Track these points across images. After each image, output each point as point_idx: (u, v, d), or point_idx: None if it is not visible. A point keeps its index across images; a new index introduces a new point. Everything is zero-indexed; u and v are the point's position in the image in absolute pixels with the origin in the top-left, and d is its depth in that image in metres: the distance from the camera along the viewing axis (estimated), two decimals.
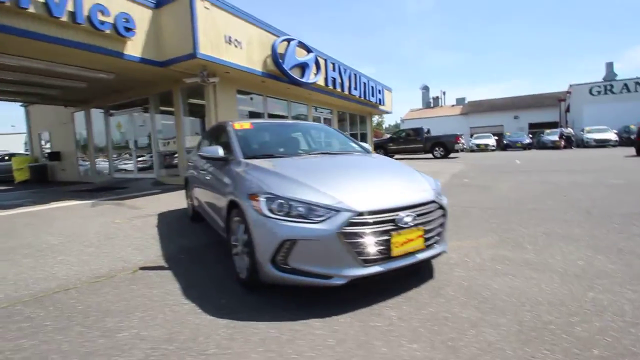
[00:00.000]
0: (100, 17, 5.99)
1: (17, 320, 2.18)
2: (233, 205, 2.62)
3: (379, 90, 16.44)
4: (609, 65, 35.04)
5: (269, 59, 8.96)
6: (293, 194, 2.19)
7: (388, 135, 24.54)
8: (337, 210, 2.09)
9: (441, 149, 17.66)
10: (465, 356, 1.62)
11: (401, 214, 2.20)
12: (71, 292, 2.60)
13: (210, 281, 2.70)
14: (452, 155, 18.07)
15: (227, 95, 8.84)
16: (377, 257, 2.12)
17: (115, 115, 11.17)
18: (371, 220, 2.11)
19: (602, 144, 22.23)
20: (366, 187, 2.38)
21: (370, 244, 2.09)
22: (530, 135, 26.55)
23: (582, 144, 23.20)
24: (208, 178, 3.55)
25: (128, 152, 11.02)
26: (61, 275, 2.95)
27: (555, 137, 23.34)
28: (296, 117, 12.24)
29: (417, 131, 19.35)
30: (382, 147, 19.66)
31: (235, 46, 7.88)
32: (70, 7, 5.60)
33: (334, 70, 11.83)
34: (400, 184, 2.53)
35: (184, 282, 2.69)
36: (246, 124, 3.53)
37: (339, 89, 12.33)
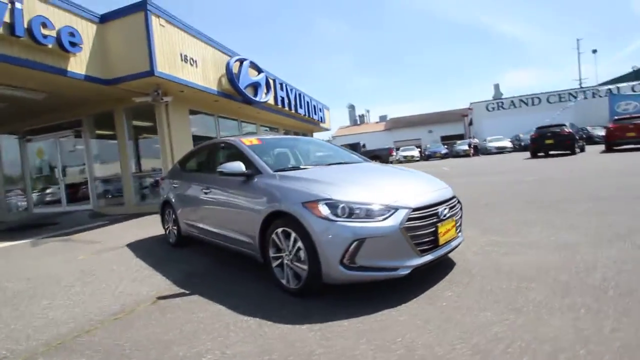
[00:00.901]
0: (43, 31, 5.32)
1: None
2: (274, 217, 2.66)
3: (320, 109, 17.23)
4: (496, 87, 42.50)
5: (223, 78, 8.85)
6: (351, 197, 2.37)
7: None
8: (396, 209, 2.33)
9: (377, 161, 19.10)
10: (530, 313, 1.97)
11: (440, 207, 2.54)
12: (97, 332, 2.31)
13: (254, 296, 2.65)
14: None
15: (180, 115, 8.42)
16: (429, 246, 2.41)
17: (34, 141, 9.63)
18: (423, 215, 2.40)
19: (501, 150, 26.59)
20: (403, 187, 2.67)
21: (424, 235, 2.38)
22: (446, 146, 30.31)
23: (486, 151, 27.41)
24: (217, 197, 3.45)
25: (49, 183, 9.54)
26: (65, 319, 2.56)
27: (466, 147, 27.21)
28: None
29: (354, 146, 20.68)
30: None
31: (191, 65, 7.65)
32: (7, 18, 4.87)
33: (282, 89, 12.13)
34: (426, 184, 2.88)
35: (224, 302, 2.58)
36: (254, 140, 3.55)
37: (286, 108, 12.64)
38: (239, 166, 3.08)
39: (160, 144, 7.95)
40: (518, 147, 26.67)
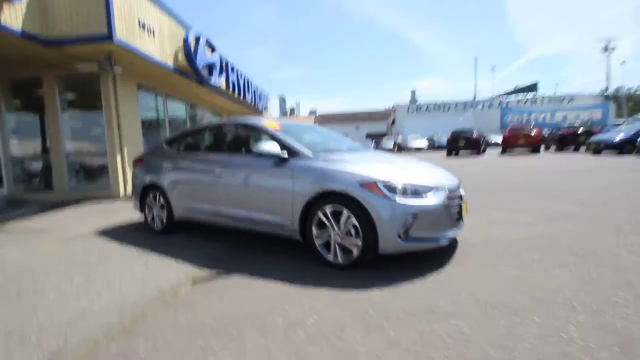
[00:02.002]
0: None
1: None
2: (318, 198, 2.80)
3: (265, 97, 16.91)
4: (413, 93, 47.36)
5: (180, 54, 8.14)
6: (402, 179, 2.67)
7: None
8: (438, 189, 2.72)
9: None
10: (561, 277, 2.55)
11: (461, 190, 3.03)
12: (157, 315, 2.17)
13: (298, 273, 2.73)
14: None
15: (128, 90, 7.49)
16: (457, 221, 2.87)
17: None
18: (454, 195, 2.84)
19: (420, 148, 29.98)
20: (432, 172, 3.08)
21: (455, 212, 2.83)
22: (374, 143, 32.70)
23: (407, 148, 30.54)
24: (238, 179, 3.38)
25: None
26: (98, 309, 2.30)
27: (391, 144, 29.90)
28: (194, 121, 11.31)
29: None
30: None
31: (149, 34, 6.87)
32: None
33: (233, 72, 11.61)
34: (442, 171, 3.34)
35: (275, 279, 2.63)
36: (276, 125, 3.55)
37: (236, 93, 12.16)
38: (274, 148, 3.09)
39: (105, 122, 6.98)
40: (433, 146, 30.45)
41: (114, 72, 6.63)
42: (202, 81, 9.29)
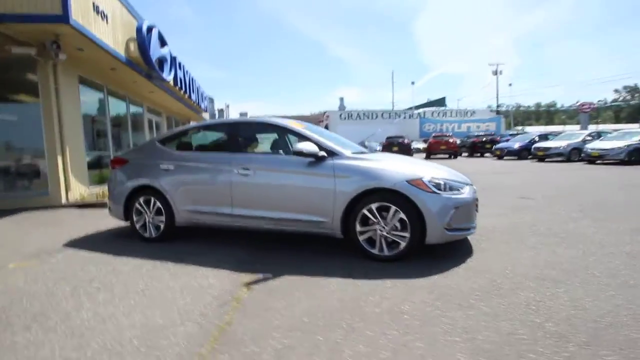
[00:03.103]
0: None
1: None
2: (362, 195, 2.94)
3: (205, 97, 16.00)
4: (341, 100, 49.77)
5: (132, 44, 7.30)
6: (441, 175, 2.98)
7: None
8: (469, 185, 3.11)
9: None
10: (566, 253, 3.12)
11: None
12: (243, 320, 2.06)
13: (346, 268, 2.84)
14: None
15: (69, 80, 6.43)
16: (476, 213, 3.31)
17: None
18: (474, 190, 3.28)
19: None
20: (452, 172, 3.48)
21: (476, 205, 3.26)
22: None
23: None
24: (267, 179, 3.31)
25: None
26: (162, 322, 2.08)
27: None
28: (135, 121, 10.15)
29: None
30: None
31: (102, 18, 6.04)
32: None
33: (180, 69, 10.79)
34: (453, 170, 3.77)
35: (328, 275, 2.69)
36: (300, 125, 3.55)
37: (182, 91, 11.32)
38: (314, 147, 3.12)
39: (44, 116, 5.87)
40: None
41: (56, 60, 5.65)
42: (151, 75, 8.47)
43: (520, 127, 46.20)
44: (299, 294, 2.38)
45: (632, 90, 71.63)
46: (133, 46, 7.33)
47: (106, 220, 4.93)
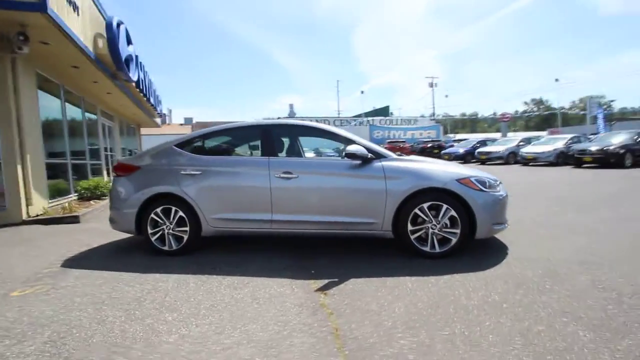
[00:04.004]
0: None
1: None
2: (415, 195, 3.05)
3: (160, 102, 14.90)
4: (291, 106, 50.15)
5: (101, 40, 6.56)
6: (480, 175, 3.21)
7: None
8: (501, 183, 3.39)
9: None
10: (581, 240, 3.53)
11: None
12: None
13: (407, 266, 2.93)
14: None
15: (27, 79, 5.54)
16: None
17: None
18: None
19: None
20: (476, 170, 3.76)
21: None
22: None
23: None
24: (313, 182, 3.25)
25: None
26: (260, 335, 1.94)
27: None
28: (90, 125, 9.07)
29: None
30: None
31: (74, 10, 5.36)
32: None
33: (141, 70, 9.93)
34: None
35: (400, 275, 2.74)
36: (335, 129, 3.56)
37: (143, 93, 10.43)
38: (364, 150, 3.15)
39: (0, 119, 4.99)
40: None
41: (17, 54, 4.86)
42: (115, 75, 7.70)
43: (452, 135, 50.88)
44: (381, 295, 2.39)
45: (538, 102, 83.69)
46: (102, 42, 6.59)
47: (88, 236, 4.42)
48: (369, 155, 3.18)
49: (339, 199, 3.22)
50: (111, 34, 6.64)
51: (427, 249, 3.08)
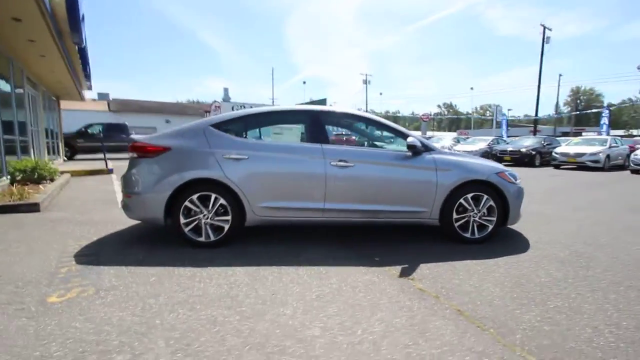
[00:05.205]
0: None
1: None
2: (460, 186, 3.33)
3: (90, 71, 12.73)
4: (226, 90, 47.46)
5: None
6: (509, 169, 3.64)
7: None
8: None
9: None
10: (598, 225, 4.22)
11: None
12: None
13: (459, 252, 3.21)
14: None
15: None
16: None
17: None
18: None
19: None
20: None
21: None
22: None
23: None
24: (368, 172, 3.28)
25: None
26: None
27: None
28: (18, 96, 7.36)
29: (121, 127, 17.03)
30: (69, 145, 15.36)
31: None
32: None
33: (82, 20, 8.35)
34: None
35: (457, 260, 3.00)
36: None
37: (84, 58, 8.83)
38: (419, 143, 3.29)
39: None
40: None
41: None
42: (61, 33, 6.41)
43: None
44: (463, 277, 2.58)
45: (449, 106, 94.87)
46: None
47: (68, 227, 3.86)
48: (422, 148, 3.34)
49: (393, 189, 3.32)
50: None
51: (468, 235, 3.39)
